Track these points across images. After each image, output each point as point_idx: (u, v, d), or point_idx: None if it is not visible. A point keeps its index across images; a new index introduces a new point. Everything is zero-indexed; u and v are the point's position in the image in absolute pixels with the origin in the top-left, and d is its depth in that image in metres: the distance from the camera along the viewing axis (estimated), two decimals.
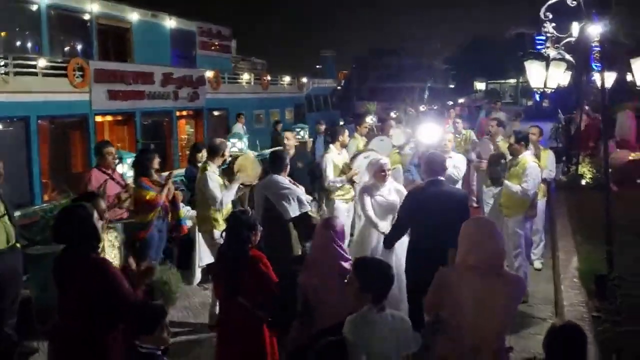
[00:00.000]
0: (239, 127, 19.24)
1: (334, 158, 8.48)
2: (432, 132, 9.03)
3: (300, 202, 6.25)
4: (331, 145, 8.79)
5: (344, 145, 8.83)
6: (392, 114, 21.40)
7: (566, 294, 7.10)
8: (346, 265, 4.44)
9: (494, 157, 7.72)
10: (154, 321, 3.72)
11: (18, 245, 6.25)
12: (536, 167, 7.42)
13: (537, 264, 8.82)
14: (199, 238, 8.16)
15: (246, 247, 4.58)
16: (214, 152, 7.17)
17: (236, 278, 4.52)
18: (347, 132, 8.97)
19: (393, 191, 6.88)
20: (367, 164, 8.12)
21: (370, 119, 18.67)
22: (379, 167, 6.92)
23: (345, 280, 4.11)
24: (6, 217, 6.07)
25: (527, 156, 7.49)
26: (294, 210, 6.18)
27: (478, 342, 3.63)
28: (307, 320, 4.31)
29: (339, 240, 4.60)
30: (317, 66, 54.14)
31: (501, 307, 3.67)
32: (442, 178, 5.87)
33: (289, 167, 6.60)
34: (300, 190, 6.49)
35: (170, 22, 21.17)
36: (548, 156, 8.85)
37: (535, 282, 8.00)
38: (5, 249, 6.00)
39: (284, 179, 6.35)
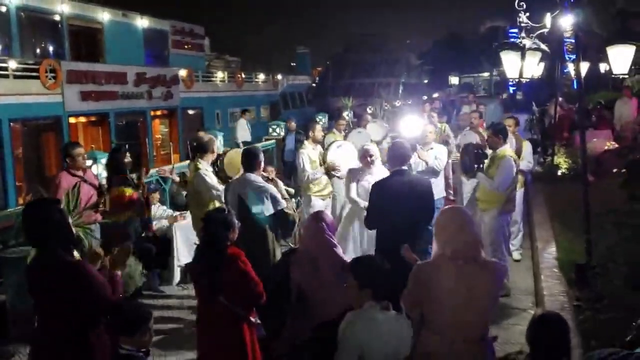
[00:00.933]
0: (243, 123, 19.07)
1: (309, 153, 8.46)
2: (413, 125, 9.03)
3: (274, 200, 6.15)
4: (305, 142, 8.80)
5: (316, 141, 8.76)
6: (368, 109, 21.45)
7: (546, 284, 7.13)
8: (337, 251, 4.43)
9: (466, 149, 7.65)
10: (136, 324, 3.67)
11: None
12: (511, 161, 7.25)
13: (516, 255, 8.84)
14: (177, 237, 8.10)
15: (224, 245, 4.52)
16: (204, 149, 7.06)
17: (215, 277, 4.46)
18: (318, 127, 8.91)
19: (381, 177, 6.93)
20: (341, 153, 8.33)
21: (346, 115, 18.70)
22: (363, 152, 7.06)
23: (340, 272, 4.12)
24: None
25: (505, 149, 7.42)
26: (268, 209, 6.08)
27: (462, 332, 3.61)
28: (302, 315, 4.26)
29: (330, 232, 4.59)
30: (292, 63, 54.03)
31: (483, 295, 3.65)
32: (405, 168, 6.02)
33: (262, 164, 6.49)
34: (274, 188, 6.41)
35: (142, 22, 20.95)
36: (525, 147, 8.86)
37: (514, 273, 8.02)
38: None
39: (257, 177, 6.22)
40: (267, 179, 6.68)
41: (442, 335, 3.63)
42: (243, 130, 18.41)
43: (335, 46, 63.66)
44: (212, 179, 6.86)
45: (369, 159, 7.09)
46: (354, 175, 7.12)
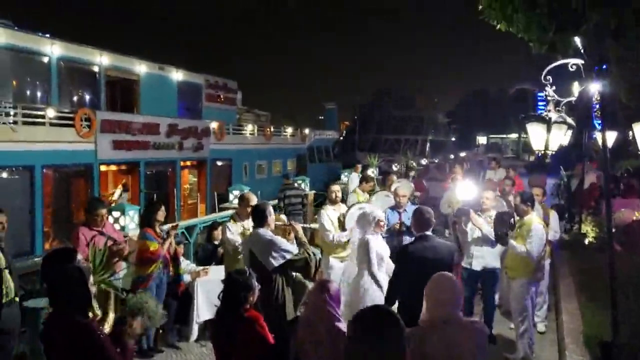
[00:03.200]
0: (354, 177, 19.34)
1: (329, 214, 8.46)
2: (469, 189, 8.80)
3: (283, 251, 6.09)
4: (327, 201, 8.81)
5: (334, 202, 8.67)
6: (394, 167, 21.56)
7: (570, 359, 6.98)
8: (340, 326, 4.36)
9: (499, 216, 7.61)
10: None
11: (17, 299, 6.21)
12: (541, 228, 7.28)
13: (541, 327, 8.64)
14: (198, 293, 8.11)
15: (241, 308, 4.53)
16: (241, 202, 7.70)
17: (231, 340, 4.47)
18: (333, 188, 8.80)
19: (382, 242, 6.96)
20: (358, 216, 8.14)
21: (371, 172, 18.81)
22: (378, 219, 6.96)
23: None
24: (6, 271, 6.06)
25: (533, 217, 7.42)
26: (277, 261, 6.03)
27: None
28: None
29: (334, 304, 4.52)
30: (320, 117, 54.74)
31: (464, 355, 3.78)
32: (429, 233, 5.96)
33: (272, 219, 6.52)
34: (283, 239, 6.37)
35: (177, 75, 21.53)
36: (552, 217, 8.79)
37: (538, 345, 7.86)
38: (4, 303, 5.97)
39: (266, 232, 6.24)
40: (285, 225, 6.73)
41: None
42: (353, 185, 18.53)
43: (362, 101, 64.15)
44: (232, 233, 7.22)
45: (381, 223, 7.02)
46: (370, 245, 6.88)
